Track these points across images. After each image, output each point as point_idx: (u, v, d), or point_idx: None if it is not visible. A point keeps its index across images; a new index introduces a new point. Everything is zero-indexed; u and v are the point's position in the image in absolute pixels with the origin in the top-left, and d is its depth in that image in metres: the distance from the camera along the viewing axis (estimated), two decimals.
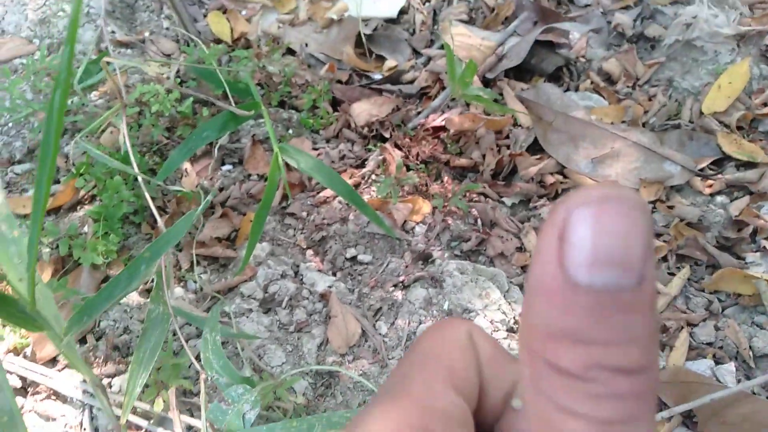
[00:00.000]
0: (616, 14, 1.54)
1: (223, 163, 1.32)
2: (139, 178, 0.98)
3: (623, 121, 1.32)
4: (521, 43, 1.43)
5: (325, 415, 0.75)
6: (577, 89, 1.43)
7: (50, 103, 0.53)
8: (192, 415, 0.84)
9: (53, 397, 0.88)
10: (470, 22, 1.62)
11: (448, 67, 1.15)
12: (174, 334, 0.90)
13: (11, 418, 0.51)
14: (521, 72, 1.48)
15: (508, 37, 1.50)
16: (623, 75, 1.41)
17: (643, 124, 1.32)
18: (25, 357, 0.93)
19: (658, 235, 1.14)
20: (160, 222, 0.96)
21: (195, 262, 1.06)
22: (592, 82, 1.42)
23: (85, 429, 0.84)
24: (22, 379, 0.90)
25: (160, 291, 0.89)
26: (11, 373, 0.90)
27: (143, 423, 0.83)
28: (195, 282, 1.06)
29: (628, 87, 1.40)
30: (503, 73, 1.45)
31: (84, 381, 0.88)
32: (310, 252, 1.16)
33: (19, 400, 0.88)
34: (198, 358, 0.82)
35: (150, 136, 1.27)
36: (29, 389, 0.90)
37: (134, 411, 0.84)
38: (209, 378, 0.79)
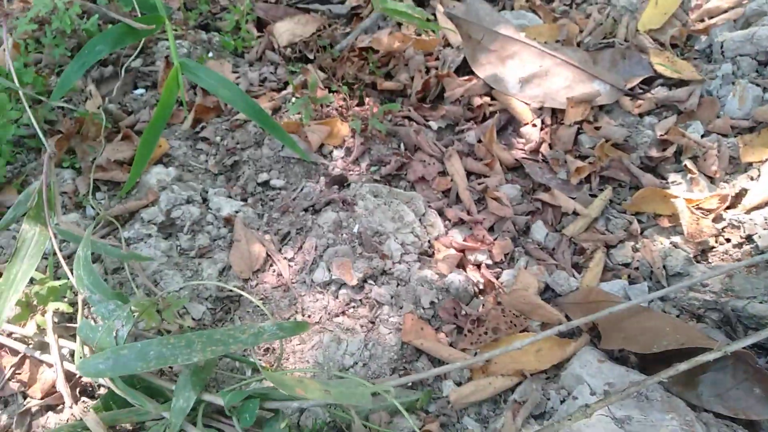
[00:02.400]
0: None
1: (136, 87, 1.24)
2: (22, 97, 0.91)
3: (557, 41, 1.26)
4: None
5: (206, 332, 0.71)
6: (512, 8, 1.36)
7: None
8: (74, 339, 0.80)
9: None
10: None
11: None
12: (54, 255, 0.85)
13: None
14: None
15: None
16: None
17: (578, 44, 1.26)
18: None
19: (584, 157, 1.09)
20: (46, 143, 0.90)
21: (93, 186, 1.00)
22: (528, 0, 1.34)
23: None
24: None
25: (40, 211, 0.84)
26: None
27: (21, 347, 0.78)
28: (93, 208, 1.00)
29: (565, 5, 1.33)
30: None
31: None
32: (221, 177, 1.10)
33: None
34: None
35: (52, 56, 1.18)
36: None
37: (10, 335, 0.79)
38: (84, 295, 0.75)
